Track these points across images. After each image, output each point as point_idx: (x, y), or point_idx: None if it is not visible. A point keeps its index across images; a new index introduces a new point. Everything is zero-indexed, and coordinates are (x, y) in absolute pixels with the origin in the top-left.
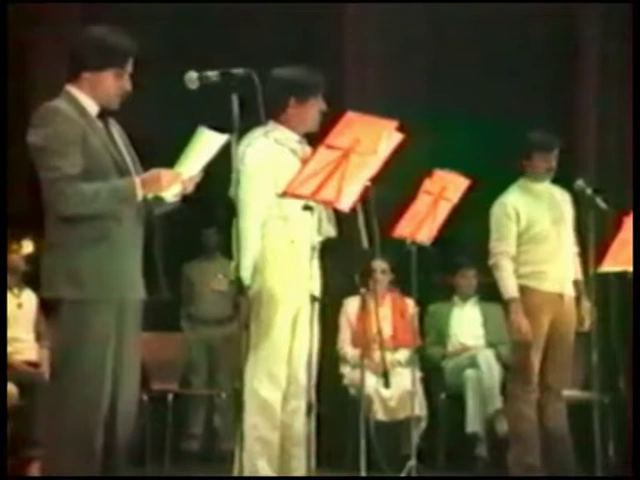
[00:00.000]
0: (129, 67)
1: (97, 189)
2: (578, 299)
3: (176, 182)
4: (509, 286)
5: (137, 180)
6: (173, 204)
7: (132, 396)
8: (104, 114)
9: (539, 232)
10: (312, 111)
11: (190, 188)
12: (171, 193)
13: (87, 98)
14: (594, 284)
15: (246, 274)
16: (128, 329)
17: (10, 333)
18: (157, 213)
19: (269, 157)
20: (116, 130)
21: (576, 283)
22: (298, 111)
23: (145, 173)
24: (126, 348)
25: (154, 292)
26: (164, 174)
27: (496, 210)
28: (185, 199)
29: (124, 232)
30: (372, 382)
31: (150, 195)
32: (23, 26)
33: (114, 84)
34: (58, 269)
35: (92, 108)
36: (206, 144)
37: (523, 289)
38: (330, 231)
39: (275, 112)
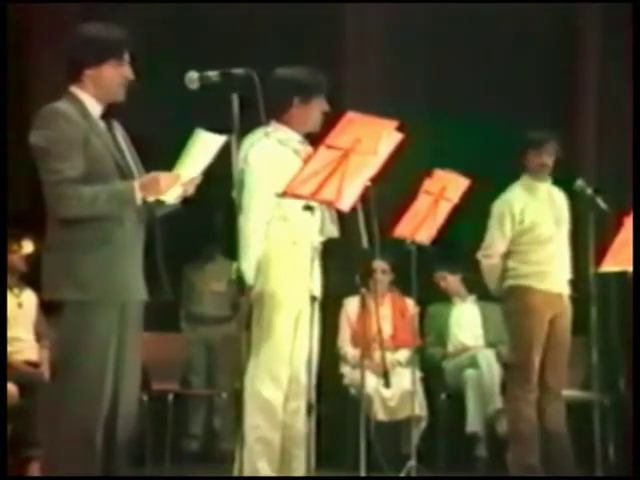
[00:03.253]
0: (127, 57)
1: (96, 192)
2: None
3: (175, 185)
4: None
5: (136, 184)
6: (174, 206)
7: (133, 396)
8: (107, 115)
9: (543, 233)
10: (315, 111)
11: (191, 190)
12: (172, 196)
13: (90, 99)
14: (594, 284)
15: (249, 274)
16: (130, 330)
17: (10, 333)
18: (158, 215)
19: (272, 157)
20: (119, 132)
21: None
22: (301, 111)
23: (144, 177)
24: (127, 349)
25: (157, 293)
26: (163, 177)
27: (500, 207)
28: (186, 201)
29: (126, 234)
30: (372, 382)
31: (151, 198)
32: (23, 26)
33: (116, 74)
34: (60, 271)
35: (95, 109)
36: (204, 145)
37: (525, 289)
38: (333, 231)
39: (277, 112)
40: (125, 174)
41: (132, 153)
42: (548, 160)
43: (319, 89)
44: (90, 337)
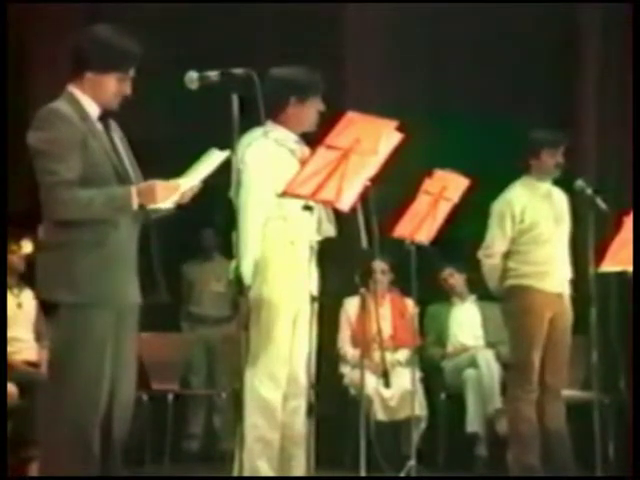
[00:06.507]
0: (132, 72)
1: (93, 196)
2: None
3: (172, 195)
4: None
5: (133, 190)
6: (167, 210)
7: (129, 398)
8: (105, 117)
9: (542, 232)
10: (311, 111)
11: (187, 198)
12: (167, 204)
13: (88, 100)
14: (594, 284)
15: (247, 274)
16: (125, 332)
17: (10, 333)
18: (153, 217)
19: (269, 157)
20: (116, 133)
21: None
22: (297, 111)
23: (142, 183)
24: (123, 351)
25: (152, 294)
26: (159, 187)
27: (500, 207)
28: (179, 206)
29: (121, 237)
30: (372, 382)
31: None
32: (23, 26)
33: (116, 87)
34: (54, 272)
35: (93, 111)
36: (211, 160)
37: (524, 288)
38: (330, 230)
39: (274, 112)
40: (122, 178)
41: (129, 154)
42: (562, 159)
43: (315, 89)
44: (86, 339)
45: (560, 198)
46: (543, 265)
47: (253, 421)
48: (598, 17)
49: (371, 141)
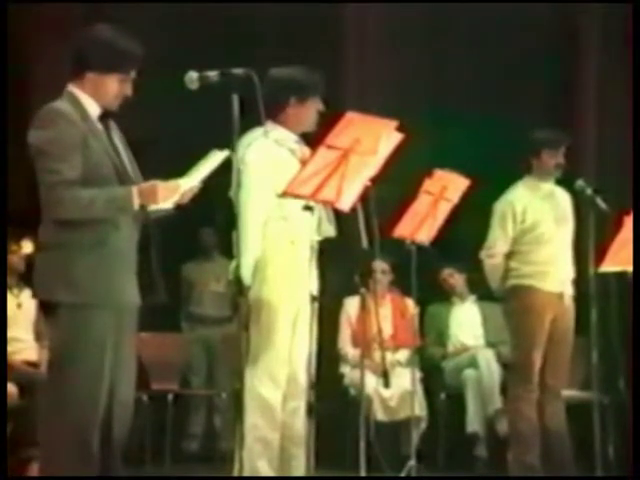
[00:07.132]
0: (133, 73)
1: (94, 196)
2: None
3: (172, 195)
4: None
5: (134, 190)
6: (167, 210)
7: (128, 398)
8: (105, 117)
9: (543, 232)
10: (310, 111)
11: (186, 198)
12: (167, 204)
13: (89, 99)
14: (594, 284)
15: (247, 274)
16: (125, 332)
17: (10, 333)
18: (152, 217)
19: (269, 157)
20: (115, 133)
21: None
22: (297, 111)
23: (143, 184)
24: (123, 351)
25: (151, 295)
26: (160, 188)
27: (502, 207)
28: (178, 207)
29: (121, 237)
30: (372, 382)
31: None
32: (23, 26)
33: (117, 88)
34: (54, 272)
35: (94, 110)
36: (212, 160)
37: (526, 289)
38: (330, 231)
39: (274, 112)
40: (122, 177)
41: (128, 154)
42: (562, 160)
43: (315, 89)
44: (85, 339)
45: (563, 198)
46: (544, 265)
47: (253, 421)
48: (598, 17)
49: (371, 141)
